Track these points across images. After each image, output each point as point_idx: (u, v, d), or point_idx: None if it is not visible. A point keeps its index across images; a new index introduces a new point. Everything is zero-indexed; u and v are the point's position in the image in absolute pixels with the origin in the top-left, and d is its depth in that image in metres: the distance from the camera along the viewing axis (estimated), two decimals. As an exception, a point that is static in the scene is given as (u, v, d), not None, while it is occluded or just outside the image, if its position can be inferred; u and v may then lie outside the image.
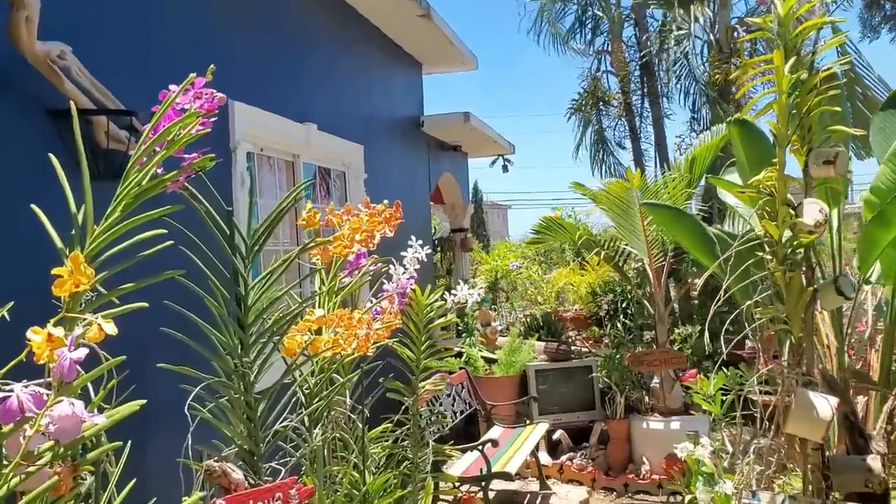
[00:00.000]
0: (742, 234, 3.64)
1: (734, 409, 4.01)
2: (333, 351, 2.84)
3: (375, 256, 3.59)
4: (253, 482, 2.60)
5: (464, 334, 7.29)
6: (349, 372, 3.57)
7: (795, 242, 2.92)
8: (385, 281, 3.77)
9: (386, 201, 3.05)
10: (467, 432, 6.89)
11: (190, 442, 2.39)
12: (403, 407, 4.12)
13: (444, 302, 4.00)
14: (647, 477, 6.08)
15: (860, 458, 2.85)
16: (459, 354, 7.21)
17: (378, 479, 3.31)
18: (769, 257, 3.08)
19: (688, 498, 3.36)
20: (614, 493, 6.12)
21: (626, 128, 10.32)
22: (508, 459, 5.27)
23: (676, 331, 6.74)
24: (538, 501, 5.87)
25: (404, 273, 3.75)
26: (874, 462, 2.80)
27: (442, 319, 4.04)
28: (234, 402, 2.65)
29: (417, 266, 3.80)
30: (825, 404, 2.76)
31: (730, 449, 3.83)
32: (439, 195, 10.62)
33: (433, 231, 11.75)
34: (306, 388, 3.23)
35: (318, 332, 2.87)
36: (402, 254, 3.79)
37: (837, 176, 2.99)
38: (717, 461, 3.34)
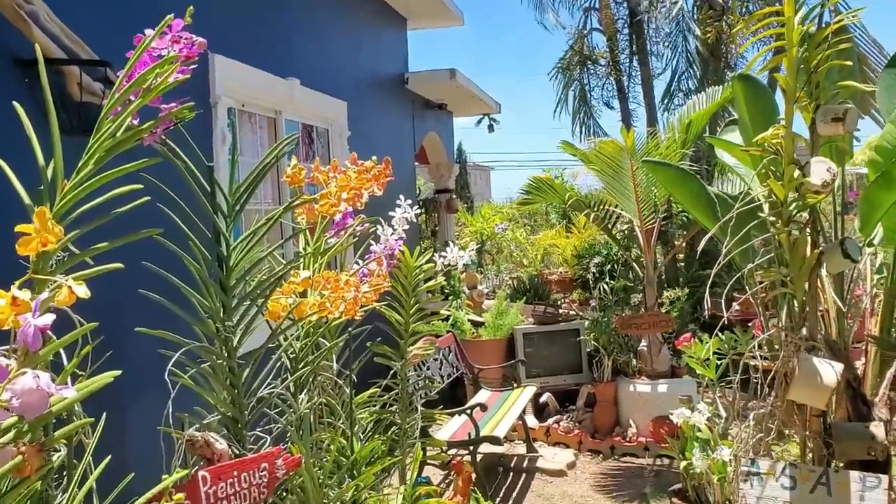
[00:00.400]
0: (742, 194, 3.54)
1: (727, 374, 3.95)
2: (320, 314, 2.71)
3: (362, 216, 3.45)
4: (238, 451, 2.49)
5: (450, 297, 7.19)
6: (335, 336, 3.45)
7: (801, 203, 2.81)
8: (372, 242, 3.63)
9: (374, 157, 2.90)
10: (454, 396, 6.82)
11: (170, 410, 2.27)
12: (391, 372, 4.02)
13: (433, 264, 3.87)
14: (634, 440, 6.06)
15: (863, 425, 2.79)
16: (446, 318, 7.12)
17: (366, 447, 3.21)
18: (773, 218, 2.97)
19: (683, 464, 3.29)
20: (601, 455, 6.10)
21: (615, 87, 10.13)
22: (497, 423, 5.21)
23: (665, 293, 6.67)
24: (525, 464, 5.84)
25: (392, 234, 3.62)
26: (877, 429, 2.73)
27: (431, 282, 3.93)
28: (216, 367, 2.52)
29: (406, 227, 3.67)
30: (830, 371, 2.68)
31: (723, 414, 3.77)
32: (424, 155, 10.44)
33: (417, 192, 11.58)
34: (291, 353, 3.12)
35: (304, 294, 2.74)
36: (390, 214, 3.66)
37: (846, 134, 2.88)
38: (712, 427, 3.27)
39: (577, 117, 11.05)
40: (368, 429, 3.91)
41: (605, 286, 8.19)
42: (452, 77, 8.78)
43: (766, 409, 2.94)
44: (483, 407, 4.82)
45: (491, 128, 11.07)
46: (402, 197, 3.62)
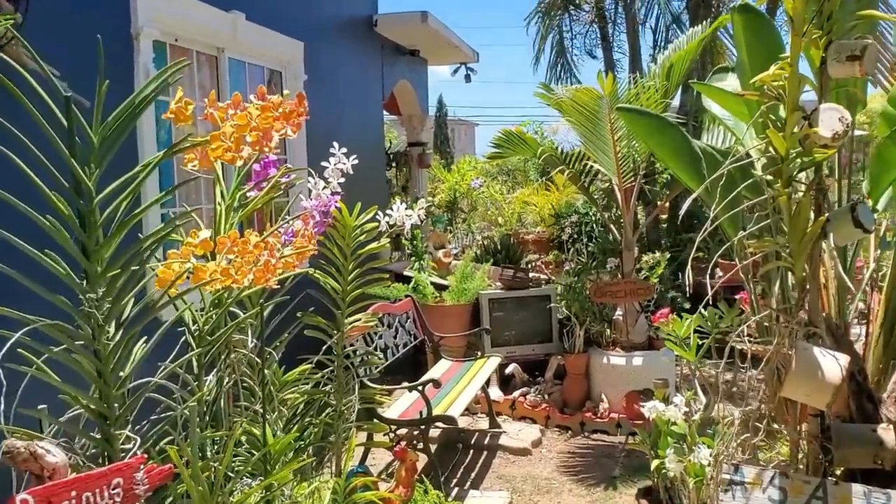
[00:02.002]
0: (731, 150, 3.01)
1: (709, 355, 3.47)
2: (222, 283, 2.17)
3: (287, 165, 2.91)
4: (109, 457, 1.99)
5: (412, 258, 6.66)
6: (258, 304, 2.94)
7: (807, 159, 2.29)
8: (302, 198, 3.10)
9: (287, 92, 2.31)
10: (416, 362, 6.34)
11: (1, 408, 1.74)
12: (326, 346, 3.52)
13: (376, 223, 3.34)
14: (606, 415, 5.62)
15: (869, 427, 2.32)
16: (407, 280, 6.59)
17: (280, 440, 2.71)
18: (770, 178, 2.45)
19: (654, 463, 2.82)
20: (569, 431, 5.66)
21: (598, 35, 9.48)
22: (455, 398, 4.73)
23: (644, 258, 6.18)
24: (486, 441, 5.39)
25: (325, 188, 3.09)
26: (886, 433, 2.27)
27: (373, 245, 3.39)
28: (76, 350, 1.99)
29: (341, 179, 3.13)
30: (833, 364, 2.20)
31: (703, 399, 3.29)
32: (395, 105, 9.81)
33: (388, 145, 10.97)
34: (195, 328, 2.60)
35: (214, 257, 2.20)
36: (324, 164, 3.12)
37: (862, 76, 2.35)
38: (690, 420, 2.79)
39: (554, 69, 10.37)
40: (298, 411, 3.42)
41: (581, 247, 7.69)
42: (424, 20, 8.13)
43: (753, 405, 2.46)
44: (436, 383, 4.33)
45: (468, 77, 10.44)
46: (335, 144, 3.07)
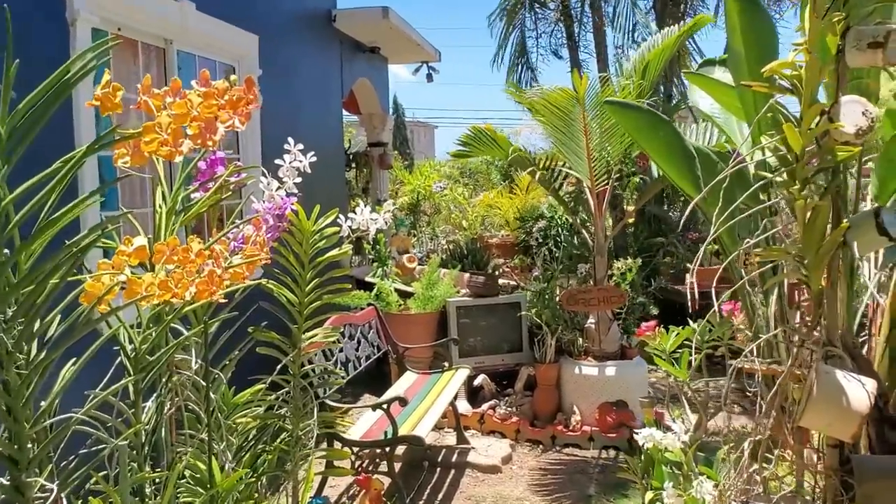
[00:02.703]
0: (721, 147, 2.77)
1: (703, 370, 3.22)
2: (160, 298, 1.82)
3: (237, 163, 2.58)
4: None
5: (375, 264, 6.32)
6: (203, 320, 2.60)
7: (828, 158, 2.04)
8: (254, 200, 2.76)
9: (234, 77, 1.98)
10: (381, 373, 6.01)
11: None
12: (280, 365, 3.18)
13: (337, 228, 3.01)
14: (578, 428, 5.36)
15: None
16: (369, 286, 6.26)
17: (231, 478, 2.37)
18: (781, 179, 2.19)
19: (648, 496, 2.54)
20: (541, 446, 5.39)
21: (564, 34, 9.23)
22: (422, 415, 4.42)
23: (616, 264, 5.94)
24: (454, 458, 5.08)
25: (279, 188, 2.76)
26: (914, 466, 2.03)
27: (334, 252, 3.07)
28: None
29: (298, 179, 2.80)
30: (859, 390, 1.94)
31: (691, 417, 3.04)
32: (355, 103, 9.46)
33: (348, 144, 10.60)
34: (131, 348, 2.26)
35: (153, 268, 1.86)
36: (278, 162, 2.79)
37: (885, 65, 2.10)
38: (688, 449, 2.52)
39: (514, 72, 10.05)
40: (251, 438, 3.08)
41: (549, 253, 7.45)
42: (385, 16, 7.80)
43: (761, 432, 2.20)
44: (402, 401, 4.02)
45: (430, 77, 10.12)
46: (290, 140, 2.74)
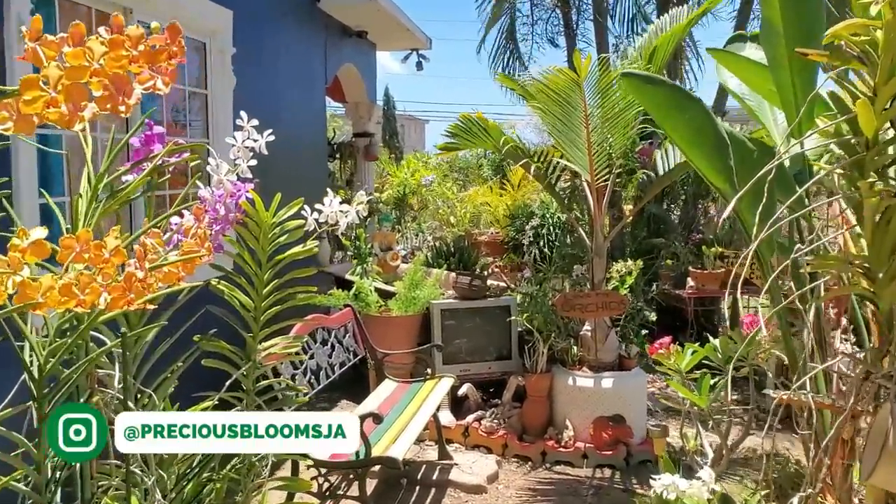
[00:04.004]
0: (786, 137, 2.36)
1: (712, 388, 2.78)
2: (62, 306, 1.36)
3: (178, 140, 2.10)
4: None
5: (355, 261, 5.86)
6: (138, 325, 2.17)
7: (909, 145, 1.61)
8: (200, 185, 2.30)
9: (156, 24, 1.49)
10: (359, 375, 5.55)
11: None
12: (231, 379, 2.71)
13: (302, 221, 2.54)
14: (570, 445, 4.93)
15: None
16: (350, 285, 5.79)
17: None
18: (842, 171, 1.76)
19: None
20: (529, 462, 4.95)
21: (561, 22, 8.77)
22: (400, 430, 3.98)
23: (615, 266, 5.51)
24: (435, 476, 4.63)
25: (229, 173, 2.30)
26: None
27: (297, 248, 2.60)
28: None
29: (253, 162, 2.35)
30: (948, 442, 1.51)
31: (709, 453, 2.61)
32: (340, 91, 8.98)
33: (332, 134, 10.13)
34: (34, 363, 1.83)
35: (62, 266, 1.39)
36: (229, 140, 2.33)
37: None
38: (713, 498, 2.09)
39: (501, 58, 9.53)
40: (194, 466, 2.62)
41: (539, 253, 7.01)
42: (372, -2, 7.36)
43: (811, 485, 1.77)
44: (377, 418, 3.56)
45: (419, 65, 9.66)
46: (243, 115, 2.28)
